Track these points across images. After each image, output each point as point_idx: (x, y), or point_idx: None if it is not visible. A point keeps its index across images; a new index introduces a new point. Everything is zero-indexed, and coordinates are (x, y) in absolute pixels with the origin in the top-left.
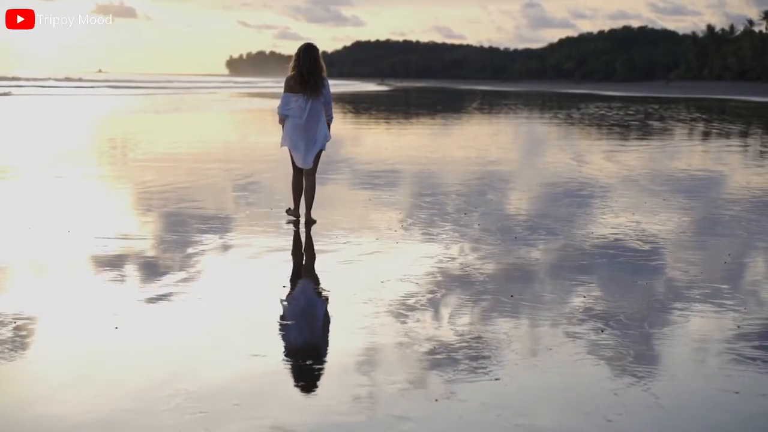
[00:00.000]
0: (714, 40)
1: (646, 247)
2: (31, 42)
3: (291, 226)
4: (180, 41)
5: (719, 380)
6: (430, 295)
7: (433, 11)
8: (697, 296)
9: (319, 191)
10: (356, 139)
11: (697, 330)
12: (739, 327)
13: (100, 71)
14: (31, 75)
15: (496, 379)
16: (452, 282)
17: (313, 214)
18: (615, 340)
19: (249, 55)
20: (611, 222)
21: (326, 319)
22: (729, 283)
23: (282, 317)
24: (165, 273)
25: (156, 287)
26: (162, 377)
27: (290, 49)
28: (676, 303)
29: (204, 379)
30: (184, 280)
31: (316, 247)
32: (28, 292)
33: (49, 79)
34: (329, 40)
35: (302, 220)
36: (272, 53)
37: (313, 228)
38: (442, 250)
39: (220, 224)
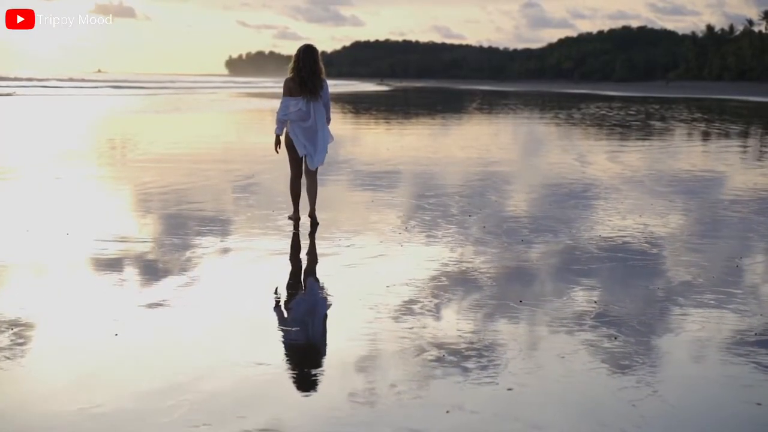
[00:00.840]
0: (713, 40)
1: (655, 250)
2: (31, 42)
3: (292, 229)
4: (179, 41)
5: (740, 391)
6: (437, 301)
7: (432, 11)
8: (711, 301)
9: (321, 192)
10: (357, 140)
11: (712, 337)
12: (756, 334)
13: (99, 71)
14: (32, 75)
15: (509, 389)
16: (459, 287)
17: (316, 216)
18: (629, 348)
19: (248, 55)
20: (618, 224)
21: (331, 326)
22: (741, 287)
23: (286, 323)
24: (165, 277)
25: (156, 292)
26: (163, 387)
27: (290, 49)
28: (689, 309)
29: (206, 388)
30: (186, 284)
31: (318, 251)
32: (26, 297)
33: (51, 79)
34: (328, 40)
35: (303, 218)
36: (272, 53)
37: (317, 231)
38: (448, 253)
39: (220, 226)
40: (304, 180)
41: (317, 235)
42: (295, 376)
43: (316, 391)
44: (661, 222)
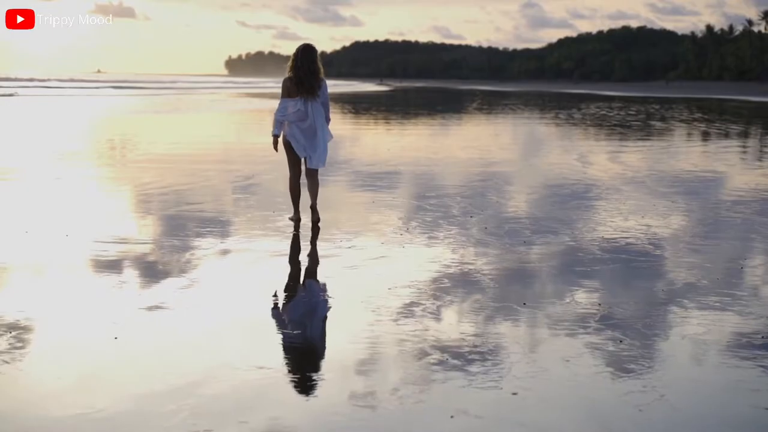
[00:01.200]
0: (713, 40)
1: (659, 251)
2: (31, 42)
3: (293, 230)
4: (179, 41)
5: (748, 396)
6: (439, 303)
7: (431, 11)
8: (716, 304)
9: (322, 193)
10: (357, 140)
11: (718, 340)
12: (762, 337)
13: (99, 71)
14: (33, 76)
15: (513, 394)
16: (462, 289)
17: (318, 211)
18: (635, 351)
19: (248, 55)
20: (621, 225)
21: (332, 329)
22: (746, 290)
23: (287, 326)
24: (165, 279)
25: (156, 294)
26: (164, 391)
27: (289, 49)
28: (694, 311)
29: (207, 392)
30: (186, 286)
31: (319, 252)
32: (25, 299)
33: (52, 79)
34: (328, 40)
35: (304, 219)
36: (271, 53)
37: (318, 232)
38: (450, 255)
39: (220, 228)
40: (304, 180)
41: (318, 236)
42: (296, 380)
43: (317, 395)
44: (664, 223)
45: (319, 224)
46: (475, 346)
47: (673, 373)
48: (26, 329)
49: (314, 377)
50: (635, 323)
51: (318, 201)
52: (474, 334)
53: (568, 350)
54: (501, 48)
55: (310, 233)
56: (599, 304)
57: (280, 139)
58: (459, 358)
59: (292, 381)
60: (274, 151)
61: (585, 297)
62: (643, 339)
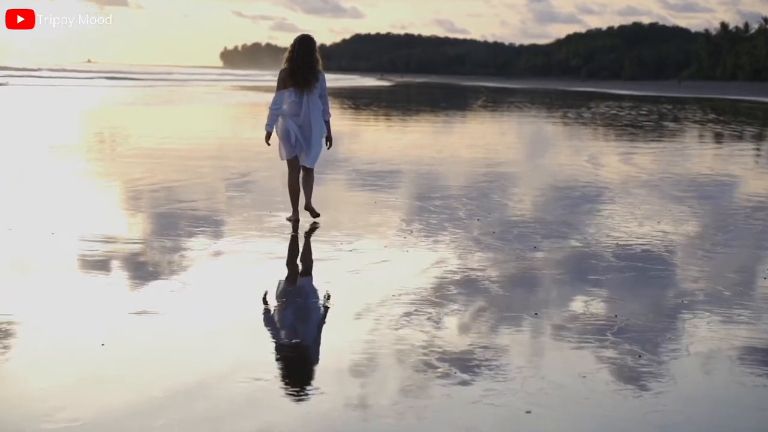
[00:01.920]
0: (728, 38)
1: (677, 260)
2: (31, 42)
3: (291, 231)
4: (172, 31)
5: None
6: (445, 312)
7: (434, 4)
8: (740, 317)
9: (321, 192)
10: (358, 137)
11: (743, 356)
12: None
13: (89, 61)
14: (24, 65)
15: (527, 412)
16: (469, 297)
17: (314, 208)
18: (655, 367)
19: (244, 46)
20: (635, 231)
21: (332, 338)
22: None
23: (284, 335)
24: (155, 281)
25: (146, 298)
26: (153, 401)
27: (286, 41)
28: (716, 325)
29: (200, 406)
30: (177, 290)
31: (318, 255)
32: (7, 301)
33: (43, 69)
34: (327, 32)
35: (302, 220)
36: (268, 45)
37: (317, 233)
38: (456, 260)
39: (214, 227)
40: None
41: (317, 237)
42: (294, 391)
43: (315, 408)
44: (681, 229)
45: (319, 220)
46: (485, 359)
47: (696, 391)
48: (7, 334)
49: (312, 389)
50: (655, 337)
51: (318, 201)
52: (483, 345)
53: (584, 365)
54: (507, 43)
55: (309, 235)
56: (615, 316)
57: (276, 133)
58: (467, 371)
59: (288, 392)
60: (268, 146)
61: (600, 307)
62: (664, 354)
